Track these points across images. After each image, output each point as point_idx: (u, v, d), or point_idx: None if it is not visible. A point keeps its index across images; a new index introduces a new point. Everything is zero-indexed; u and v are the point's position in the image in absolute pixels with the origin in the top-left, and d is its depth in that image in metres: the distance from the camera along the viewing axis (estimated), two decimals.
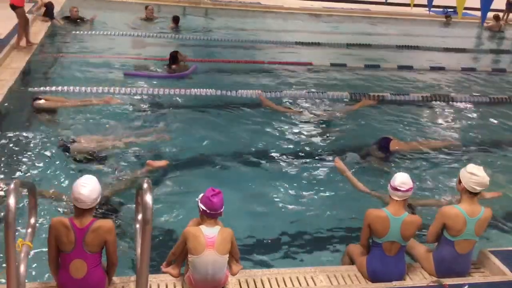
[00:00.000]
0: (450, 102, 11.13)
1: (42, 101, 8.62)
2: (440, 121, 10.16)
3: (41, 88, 9.51)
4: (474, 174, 4.62)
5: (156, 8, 17.52)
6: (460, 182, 4.73)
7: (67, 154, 7.14)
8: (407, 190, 4.58)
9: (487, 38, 20.43)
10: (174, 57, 11.36)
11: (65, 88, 9.65)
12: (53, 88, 9.58)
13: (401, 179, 4.58)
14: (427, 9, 11.41)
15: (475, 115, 10.63)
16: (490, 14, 20.24)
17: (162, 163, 6.99)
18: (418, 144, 8.55)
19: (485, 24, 20.56)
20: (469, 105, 11.09)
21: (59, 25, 14.55)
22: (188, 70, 11.41)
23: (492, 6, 8.86)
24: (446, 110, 10.80)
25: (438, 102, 11.09)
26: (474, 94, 11.79)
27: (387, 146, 7.84)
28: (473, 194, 4.68)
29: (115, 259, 4.17)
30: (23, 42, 11.84)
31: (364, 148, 8.00)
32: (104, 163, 7.06)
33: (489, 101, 11.32)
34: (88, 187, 3.93)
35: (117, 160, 7.23)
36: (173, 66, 11.31)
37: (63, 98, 9.13)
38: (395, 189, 4.59)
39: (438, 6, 20.87)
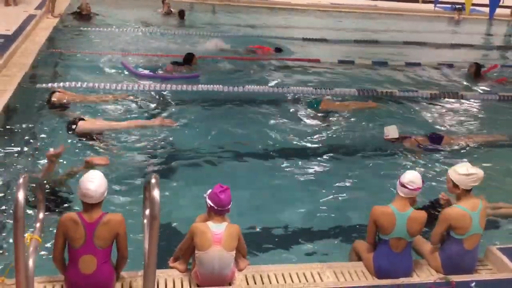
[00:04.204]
0: (460, 99, 11.04)
1: (58, 94, 8.64)
2: (449, 117, 10.10)
3: (49, 85, 9.53)
4: (470, 173, 4.68)
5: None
6: (455, 186, 4.75)
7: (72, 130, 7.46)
8: (414, 189, 4.58)
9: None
10: (188, 59, 11.28)
11: (73, 83, 9.68)
12: (61, 84, 9.59)
13: (411, 178, 4.58)
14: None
15: (487, 112, 10.57)
16: None
17: (102, 160, 6.44)
18: (470, 138, 8.69)
19: None
20: (480, 102, 11.02)
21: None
22: (185, 74, 11.10)
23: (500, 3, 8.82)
24: (454, 107, 10.74)
25: (447, 99, 11.01)
26: (484, 91, 11.71)
27: (439, 141, 8.26)
28: (469, 190, 4.76)
29: (125, 253, 4.18)
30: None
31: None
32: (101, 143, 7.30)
33: (498, 98, 11.25)
34: (95, 182, 3.97)
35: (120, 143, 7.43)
36: (183, 66, 11.22)
37: (76, 94, 9.18)
38: (403, 185, 4.60)
39: (446, 3, 20.71)
